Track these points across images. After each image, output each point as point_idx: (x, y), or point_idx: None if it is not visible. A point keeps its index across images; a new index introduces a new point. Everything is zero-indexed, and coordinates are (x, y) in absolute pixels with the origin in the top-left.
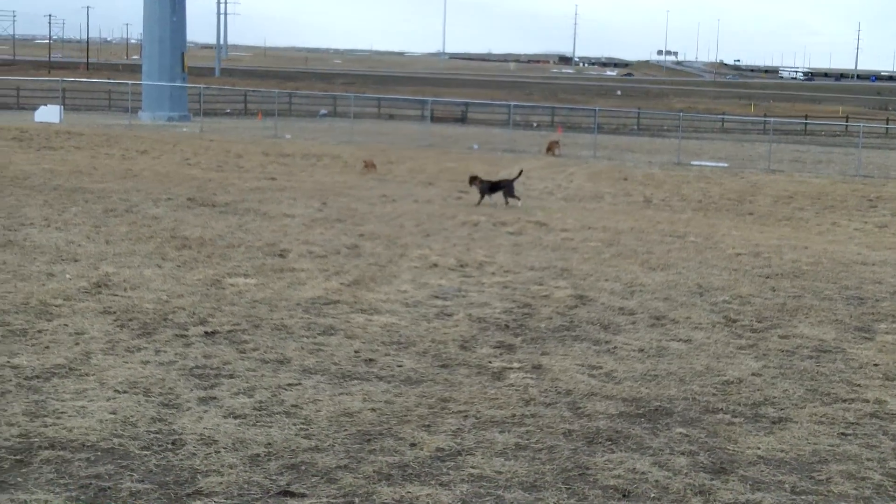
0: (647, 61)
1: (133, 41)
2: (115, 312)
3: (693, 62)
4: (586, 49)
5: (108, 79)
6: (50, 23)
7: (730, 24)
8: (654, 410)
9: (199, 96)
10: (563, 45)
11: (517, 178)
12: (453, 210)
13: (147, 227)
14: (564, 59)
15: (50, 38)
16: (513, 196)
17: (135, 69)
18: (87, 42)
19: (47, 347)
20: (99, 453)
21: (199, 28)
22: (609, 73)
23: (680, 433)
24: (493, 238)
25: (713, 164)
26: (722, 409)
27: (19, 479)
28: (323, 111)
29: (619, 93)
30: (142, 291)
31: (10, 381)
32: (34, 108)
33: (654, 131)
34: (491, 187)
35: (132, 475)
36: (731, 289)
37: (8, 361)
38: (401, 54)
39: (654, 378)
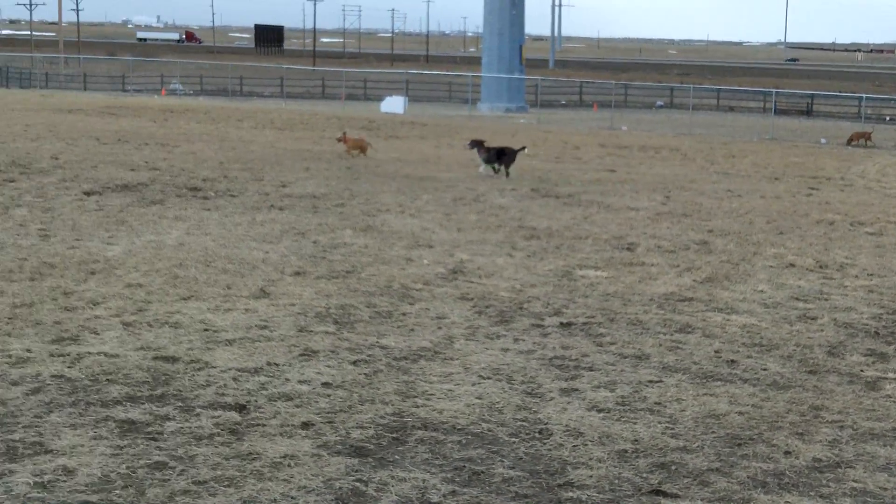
0: None
1: (470, 34)
2: (472, 299)
3: None
4: None
5: (447, 71)
6: (393, 17)
7: None
8: None
9: (535, 88)
10: None
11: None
12: (805, 207)
13: (495, 217)
14: None
15: (392, 32)
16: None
17: (471, 61)
18: (427, 35)
19: (412, 330)
20: (469, 437)
21: (531, 20)
22: None
23: None
24: (851, 238)
25: None
26: None
27: (396, 457)
28: (659, 102)
29: None
30: (496, 279)
31: (381, 360)
32: (379, 99)
33: None
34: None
35: (503, 461)
36: None
37: (377, 341)
38: (738, 44)
39: None
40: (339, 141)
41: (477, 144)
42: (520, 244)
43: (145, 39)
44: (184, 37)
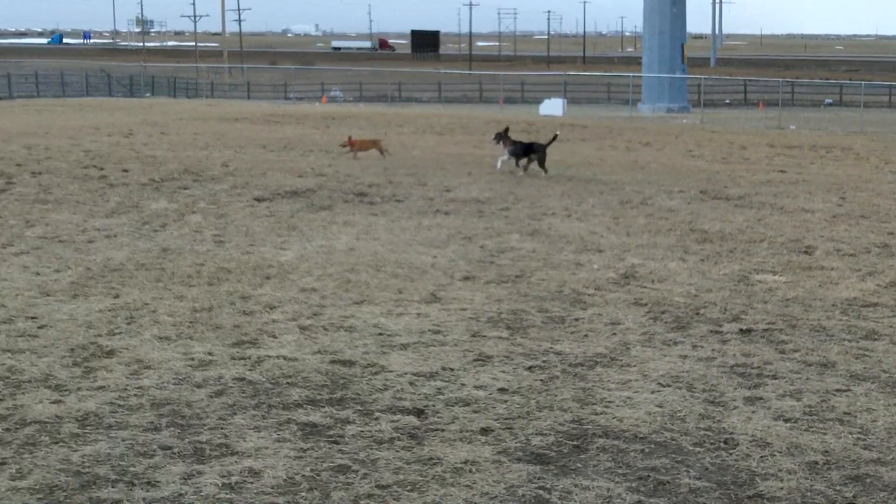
0: None
1: (628, 34)
2: (646, 304)
3: None
4: None
5: (605, 71)
6: (549, 19)
7: None
8: None
9: (698, 87)
10: None
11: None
12: None
13: (664, 220)
14: None
15: (549, 34)
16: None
17: (629, 61)
18: (584, 36)
19: (586, 336)
20: (652, 446)
21: (691, 18)
22: None
23: None
24: None
25: None
26: None
27: (578, 465)
28: (828, 100)
29: None
30: (669, 284)
31: (556, 366)
32: (537, 102)
33: None
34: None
35: (688, 471)
36: None
37: (551, 347)
38: None
39: None
40: (345, 146)
41: (502, 137)
42: (692, 248)
43: (339, 48)
44: (377, 45)
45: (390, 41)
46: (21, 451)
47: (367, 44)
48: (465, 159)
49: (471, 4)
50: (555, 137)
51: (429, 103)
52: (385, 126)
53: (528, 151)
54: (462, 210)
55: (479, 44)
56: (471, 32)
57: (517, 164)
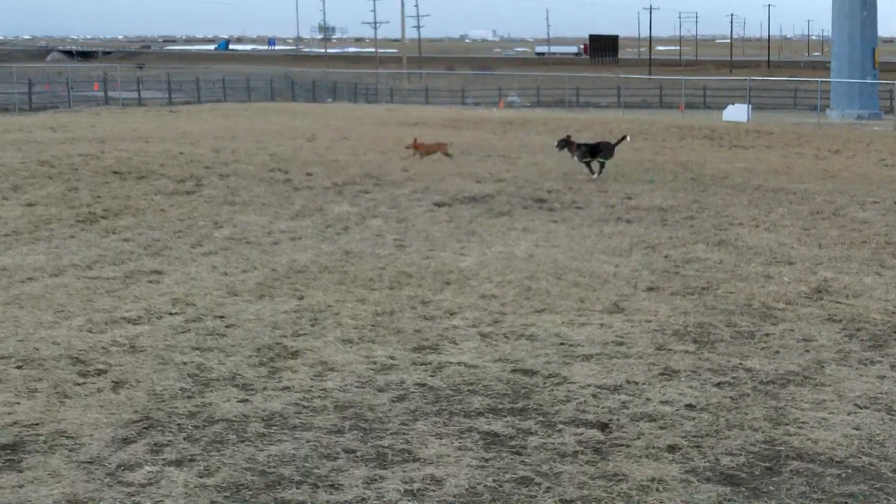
0: None
1: (814, 37)
2: (840, 321)
3: None
4: None
5: (791, 76)
6: (731, 22)
7: None
8: None
9: (889, 93)
10: None
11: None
12: None
13: (858, 232)
14: None
15: (731, 37)
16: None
17: (816, 66)
18: (769, 39)
19: (777, 352)
20: (849, 471)
21: (881, 21)
22: None
23: None
24: None
25: None
26: None
27: (771, 488)
28: None
29: None
30: (865, 300)
31: (746, 383)
32: (720, 108)
33: None
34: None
35: (889, 499)
36: None
37: (741, 363)
38: None
39: None
40: (410, 148)
41: (566, 144)
42: (888, 262)
43: (543, 54)
44: (582, 49)
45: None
46: (209, 448)
47: (573, 49)
48: (645, 165)
49: (651, 8)
50: (623, 138)
51: (607, 108)
52: (563, 131)
53: (596, 152)
54: (645, 218)
55: (659, 48)
56: (650, 36)
57: (590, 169)
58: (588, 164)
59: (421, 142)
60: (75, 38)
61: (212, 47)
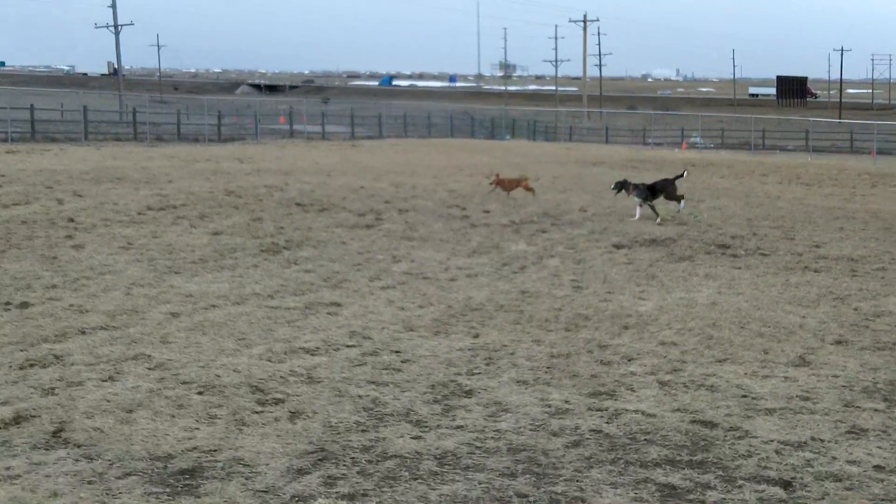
0: None
1: None
2: None
3: None
4: None
5: None
6: None
7: None
8: None
9: None
10: None
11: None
12: None
13: None
14: None
15: None
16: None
17: None
18: None
19: None
20: None
21: None
22: None
23: None
24: None
25: None
26: None
27: None
28: None
29: None
30: None
31: None
32: None
33: None
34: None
35: None
36: None
37: None
38: None
39: None
40: (493, 184)
41: (623, 186)
42: None
43: (756, 95)
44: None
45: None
46: (381, 484)
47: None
48: (834, 213)
49: (842, 50)
50: (683, 173)
51: (794, 152)
52: (748, 175)
53: (655, 192)
54: (833, 268)
55: (850, 91)
56: (841, 79)
57: (653, 211)
58: (651, 207)
59: (503, 177)
60: (263, 72)
61: (395, 83)
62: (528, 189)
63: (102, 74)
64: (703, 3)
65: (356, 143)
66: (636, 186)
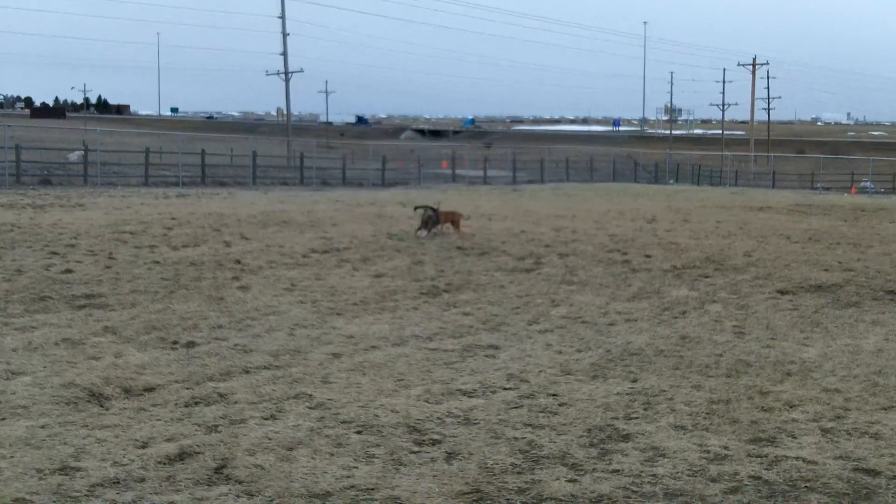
0: None
1: None
2: None
3: None
4: None
5: None
6: None
7: None
8: None
9: None
10: None
11: None
12: None
13: None
14: None
15: None
16: None
17: None
18: None
19: None
20: None
21: None
22: None
23: None
24: None
25: None
26: None
27: None
28: None
29: None
30: None
31: None
32: None
33: None
34: None
35: None
36: None
37: None
38: None
39: None
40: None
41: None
42: None
43: None
44: None
45: None
46: None
47: None
48: None
49: None
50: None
51: None
52: None
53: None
54: None
55: None
56: None
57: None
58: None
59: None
60: (427, 117)
61: (558, 127)
62: (456, 226)
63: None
64: (875, 46)
65: (517, 187)
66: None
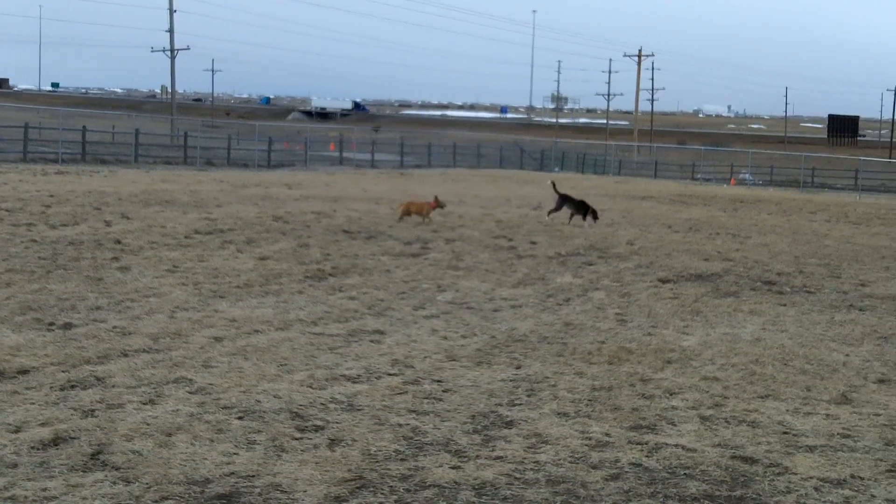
0: None
1: None
2: None
3: None
4: None
5: None
6: None
7: None
8: None
9: None
10: None
11: None
12: None
13: None
14: None
15: None
16: None
17: None
18: None
19: None
20: None
21: None
22: None
23: None
24: None
25: None
26: None
27: None
28: None
29: None
30: None
31: None
32: None
33: None
34: None
35: None
36: None
37: None
38: None
39: None
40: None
41: None
42: None
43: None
44: None
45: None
46: None
47: None
48: (882, 252)
49: (895, 90)
50: None
51: (843, 190)
52: (796, 212)
53: None
54: (879, 307)
55: None
56: (893, 119)
57: None
58: None
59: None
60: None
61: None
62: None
63: (149, 97)
64: (757, 40)
65: (405, 171)
66: None
